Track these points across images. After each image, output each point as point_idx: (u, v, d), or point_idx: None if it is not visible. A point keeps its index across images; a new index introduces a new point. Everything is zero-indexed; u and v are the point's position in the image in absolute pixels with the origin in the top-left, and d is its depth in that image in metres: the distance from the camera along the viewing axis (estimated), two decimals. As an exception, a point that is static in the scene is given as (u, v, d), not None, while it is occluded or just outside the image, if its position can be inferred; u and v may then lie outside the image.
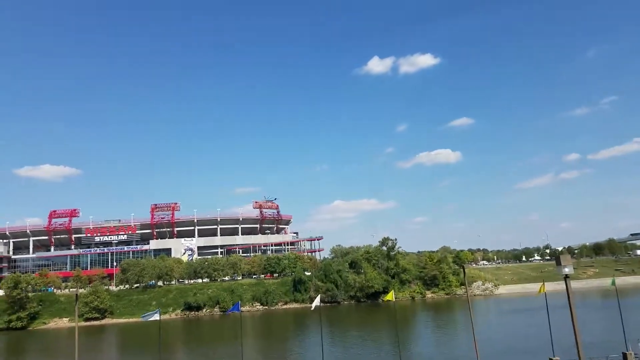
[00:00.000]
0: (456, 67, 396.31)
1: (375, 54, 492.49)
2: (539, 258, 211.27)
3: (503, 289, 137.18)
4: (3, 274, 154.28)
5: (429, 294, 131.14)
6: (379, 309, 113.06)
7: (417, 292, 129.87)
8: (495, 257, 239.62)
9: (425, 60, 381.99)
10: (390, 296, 48.38)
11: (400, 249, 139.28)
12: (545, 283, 47.24)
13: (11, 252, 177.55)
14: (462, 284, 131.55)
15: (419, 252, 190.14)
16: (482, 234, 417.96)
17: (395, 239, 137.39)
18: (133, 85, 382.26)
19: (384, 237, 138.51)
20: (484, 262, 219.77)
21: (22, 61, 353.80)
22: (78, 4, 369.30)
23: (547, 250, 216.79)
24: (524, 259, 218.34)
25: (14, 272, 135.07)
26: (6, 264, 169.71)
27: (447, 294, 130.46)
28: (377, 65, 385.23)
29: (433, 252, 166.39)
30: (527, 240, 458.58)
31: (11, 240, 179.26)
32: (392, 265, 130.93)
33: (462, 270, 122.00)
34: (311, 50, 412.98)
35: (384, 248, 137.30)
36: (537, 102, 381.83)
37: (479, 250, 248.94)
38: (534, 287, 78.74)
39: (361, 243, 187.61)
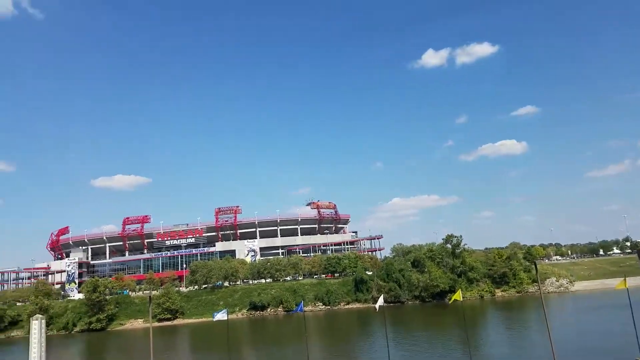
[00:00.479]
0: (517, 53, 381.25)
1: (430, 47, 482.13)
2: (619, 251, 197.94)
3: (579, 285, 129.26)
4: (83, 279, 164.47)
5: (498, 293, 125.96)
6: (445, 308, 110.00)
7: (486, 291, 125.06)
8: (569, 251, 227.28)
9: (483, 49, 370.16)
10: (458, 295, 46.84)
11: (466, 246, 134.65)
12: (626, 278, 43.71)
13: (90, 258, 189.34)
14: (535, 281, 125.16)
15: (486, 248, 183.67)
16: (554, 228, 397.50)
17: (460, 236, 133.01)
18: (195, 98, 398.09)
19: (448, 234, 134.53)
20: (557, 257, 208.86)
21: (93, 78, 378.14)
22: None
23: (628, 243, 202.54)
24: (601, 252, 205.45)
25: (93, 277, 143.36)
26: (85, 269, 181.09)
27: (518, 292, 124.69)
28: (432, 58, 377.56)
29: (501, 248, 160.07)
30: (604, 232, 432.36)
31: (89, 247, 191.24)
32: (457, 264, 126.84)
33: (533, 266, 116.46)
34: (362, 47, 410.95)
35: (449, 245, 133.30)
36: (608, 83, 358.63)
37: (551, 244, 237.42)
38: (614, 282, 73.39)
39: (423, 241, 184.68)
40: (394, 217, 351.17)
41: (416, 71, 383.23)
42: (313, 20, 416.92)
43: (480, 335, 70.01)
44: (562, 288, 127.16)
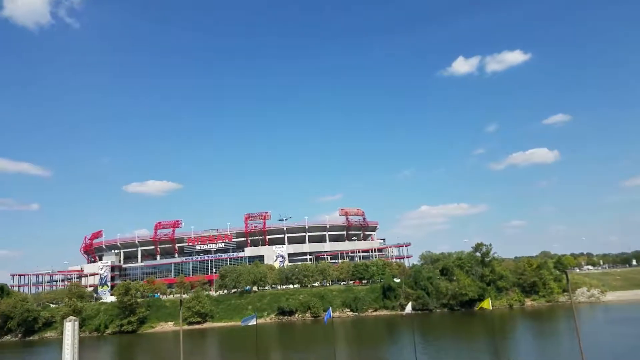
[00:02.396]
0: (549, 61, 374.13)
1: (460, 54, 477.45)
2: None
3: (611, 296, 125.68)
4: (115, 282, 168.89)
5: (528, 302, 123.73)
6: (474, 317, 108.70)
7: (515, 300, 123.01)
8: (601, 261, 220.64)
9: (515, 57, 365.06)
10: (487, 304, 46.69)
11: (495, 255, 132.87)
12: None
13: (122, 262, 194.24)
14: (565, 290, 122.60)
15: (516, 257, 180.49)
16: (586, 237, 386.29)
17: (490, 245, 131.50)
18: (227, 106, 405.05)
19: (478, 243, 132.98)
20: (589, 266, 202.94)
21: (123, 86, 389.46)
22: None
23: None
24: (634, 263, 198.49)
25: (125, 280, 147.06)
26: (118, 273, 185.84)
27: (548, 302, 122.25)
28: (462, 66, 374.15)
29: (532, 257, 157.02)
30: (637, 242, 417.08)
31: (122, 251, 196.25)
32: (487, 272, 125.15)
33: (564, 275, 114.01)
34: (393, 54, 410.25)
35: (478, 254, 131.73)
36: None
37: (582, 254, 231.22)
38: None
39: (451, 249, 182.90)
40: (422, 225, 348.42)
41: (446, 79, 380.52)
42: (342, 23, 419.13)
43: (509, 344, 69.18)
44: (593, 298, 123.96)
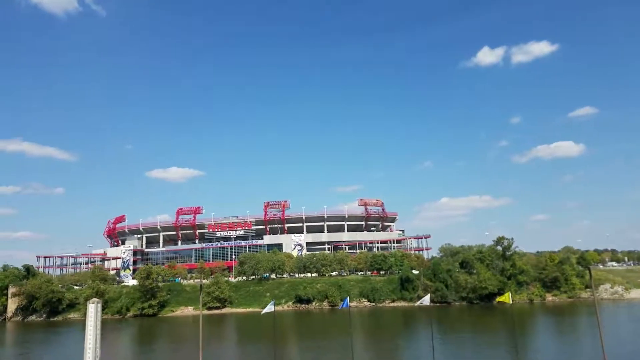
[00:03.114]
0: (576, 52, 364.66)
1: (485, 44, 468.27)
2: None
3: (635, 293, 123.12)
4: (137, 266, 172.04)
5: (549, 297, 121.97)
6: (493, 311, 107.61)
7: (536, 295, 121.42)
8: (625, 258, 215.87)
9: (541, 47, 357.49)
10: (507, 298, 45.94)
11: (517, 249, 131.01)
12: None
13: (144, 246, 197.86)
14: (588, 286, 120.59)
15: (537, 252, 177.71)
16: (610, 233, 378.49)
17: (512, 238, 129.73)
18: (249, 96, 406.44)
19: (499, 236, 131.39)
20: (613, 263, 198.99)
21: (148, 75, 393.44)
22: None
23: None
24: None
25: (147, 264, 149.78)
26: (140, 257, 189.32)
27: (569, 297, 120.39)
28: (487, 56, 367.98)
29: (554, 252, 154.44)
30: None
31: (144, 235, 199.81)
32: (507, 266, 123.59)
33: (587, 271, 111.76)
34: (415, 43, 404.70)
35: (499, 248, 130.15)
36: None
37: (606, 250, 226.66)
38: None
39: (471, 242, 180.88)
40: (442, 217, 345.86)
41: (470, 69, 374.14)
42: (362, 14, 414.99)
43: (528, 339, 68.22)
44: (616, 295, 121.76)
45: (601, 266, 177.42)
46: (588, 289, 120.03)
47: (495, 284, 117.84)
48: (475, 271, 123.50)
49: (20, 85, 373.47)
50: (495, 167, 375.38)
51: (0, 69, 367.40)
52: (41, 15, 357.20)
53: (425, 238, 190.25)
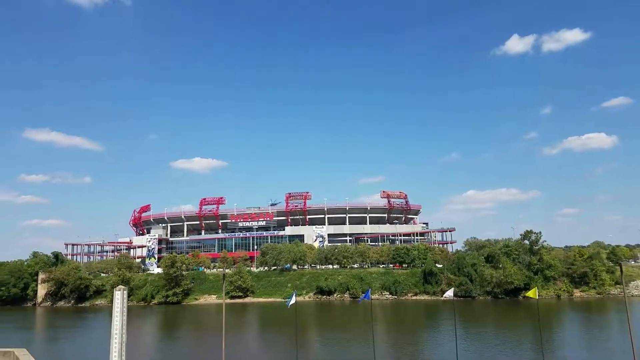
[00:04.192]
0: (610, 40, 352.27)
1: (515, 33, 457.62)
2: None
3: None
4: (162, 254, 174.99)
5: (577, 293, 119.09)
6: (518, 306, 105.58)
7: (564, 290, 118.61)
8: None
9: (573, 35, 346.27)
10: (533, 293, 44.78)
11: (545, 243, 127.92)
12: None
13: (169, 235, 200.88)
14: (618, 283, 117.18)
15: (566, 246, 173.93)
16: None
17: (540, 232, 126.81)
18: (273, 87, 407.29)
19: (527, 230, 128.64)
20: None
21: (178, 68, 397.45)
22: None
23: None
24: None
25: (171, 253, 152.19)
26: (164, 245, 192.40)
27: (598, 294, 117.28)
28: (516, 44, 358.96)
29: (583, 247, 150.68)
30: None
31: (169, 225, 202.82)
32: (535, 261, 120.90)
33: (618, 267, 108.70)
34: (441, 30, 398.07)
35: (526, 242, 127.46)
36: None
37: (638, 245, 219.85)
38: None
39: (497, 236, 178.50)
40: (468, 210, 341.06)
41: (498, 58, 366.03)
42: (388, 5, 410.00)
43: (554, 336, 66.61)
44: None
45: (633, 262, 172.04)
46: (618, 286, 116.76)
47: (522, 279, 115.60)
48: (500, 265, 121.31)
49: (49, 76, 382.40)
50: (524, 159, 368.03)
51: (30, 60, 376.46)
52: (68, 7, 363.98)
53: (449, 231, 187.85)
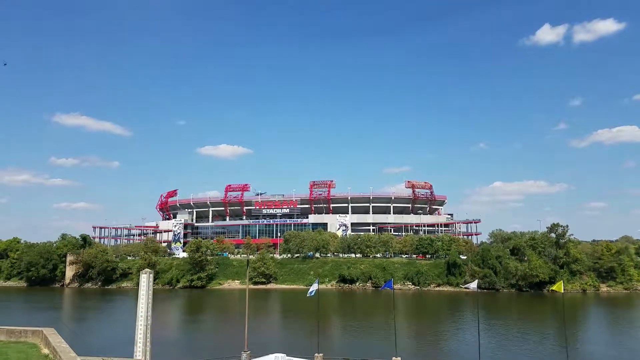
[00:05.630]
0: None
1: (546, 22, 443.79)
2: None
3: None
4: (187, 239, 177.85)
5: (603, 288, 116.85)
6: (543, 299, 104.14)
7: (590, 285, 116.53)
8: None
9: (606, 26, 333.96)
10: (559, 287, 43.94)
11: (572, 237, 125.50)
12: None
13: (194, 220, 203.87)
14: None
15: (593, 240, 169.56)
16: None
17: (567, 226, 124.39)
18: (300, 79, 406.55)
19: (554, 223, 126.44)
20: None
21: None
22: None
23: None
24: None
25: (196, 238, 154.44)
26: (190, 230, 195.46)
27: (625, 289, 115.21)
28: (547, 34, 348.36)
29: (611, 241, 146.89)
30: None
31: (194, 210, 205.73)
32: (561, 254, 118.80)
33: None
34: (471, 19, 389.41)
35: (553, 235, 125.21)
36: None
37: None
38: None
39: (524, 228, 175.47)
40: (494, 202, 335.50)
41: (528, 48, 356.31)
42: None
43: (579, 331, 65.70)
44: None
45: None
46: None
47: (547, 272, 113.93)
48: (526, 258, 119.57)
49: (81, 62, 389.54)
50: (552, 151, 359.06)
51: (64, 46, 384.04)
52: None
53: (475, 223, 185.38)
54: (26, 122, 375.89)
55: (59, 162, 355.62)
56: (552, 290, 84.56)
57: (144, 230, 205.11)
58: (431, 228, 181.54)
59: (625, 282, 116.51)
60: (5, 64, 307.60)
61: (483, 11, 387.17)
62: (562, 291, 45.00)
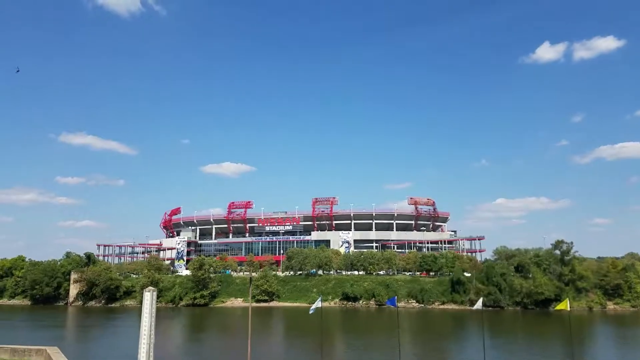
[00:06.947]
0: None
1: (546, 40, 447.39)
2: None
3: None
4: (190, 257, 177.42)
5: (610, 305, 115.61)
6: (549, 317, 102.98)
7: (596, 302, 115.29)
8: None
9: (607, 43, 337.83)
10: (565, 305, 43.70)
11: (576, 254, 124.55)
12: None
13: (198, 238, 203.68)
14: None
15: (599, 257, 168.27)
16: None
17: (571, 243, 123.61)
18: (302, 95, 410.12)
19: (558, 240, 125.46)
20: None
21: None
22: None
23: None
24: None
25: (199, 256, 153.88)
26: (193, 248, 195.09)
27: (633, 307, 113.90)
28: (547, 52, 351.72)
29: (617, 258, 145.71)
30: None
31: (198, 227, 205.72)
32: (566, 271, 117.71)
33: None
34: (471, 36, 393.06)
35: (557, 252, 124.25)
36: None
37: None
38: None
39: (528, 245, 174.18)
40: (497, 219, 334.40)
41: (528, 66, 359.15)
42: (417, 4, 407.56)
43: (586, 349, 64.77)
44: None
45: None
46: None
47: (552, 290, 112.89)
48: (531, 275, 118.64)
49: (86, 82, 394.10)
50: (555, 168, 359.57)
51: (68, 67, 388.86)
52: (106, 15, 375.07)
53: (479, 239, 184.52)
54: (33, 141, 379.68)
55: (64, 181, 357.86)
56: (557, 307, 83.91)
57: (148, 248, 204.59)
58: (434, 245, 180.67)
59: (632, 300, 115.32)
60: (18, 71, 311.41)
61: (484, 30, 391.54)
62: (568, 309, 44.65)
